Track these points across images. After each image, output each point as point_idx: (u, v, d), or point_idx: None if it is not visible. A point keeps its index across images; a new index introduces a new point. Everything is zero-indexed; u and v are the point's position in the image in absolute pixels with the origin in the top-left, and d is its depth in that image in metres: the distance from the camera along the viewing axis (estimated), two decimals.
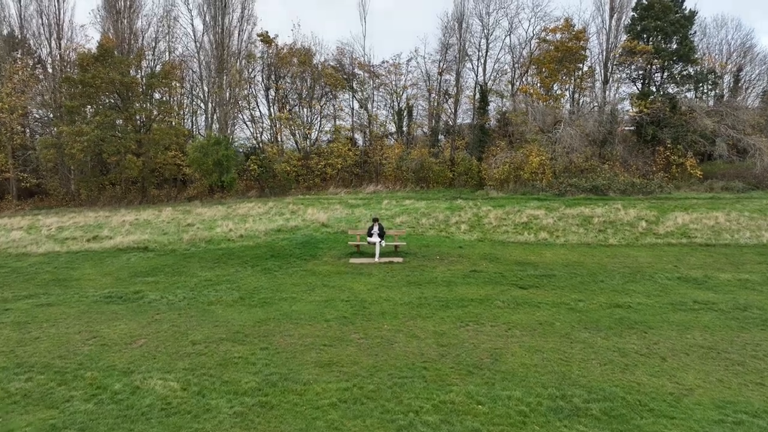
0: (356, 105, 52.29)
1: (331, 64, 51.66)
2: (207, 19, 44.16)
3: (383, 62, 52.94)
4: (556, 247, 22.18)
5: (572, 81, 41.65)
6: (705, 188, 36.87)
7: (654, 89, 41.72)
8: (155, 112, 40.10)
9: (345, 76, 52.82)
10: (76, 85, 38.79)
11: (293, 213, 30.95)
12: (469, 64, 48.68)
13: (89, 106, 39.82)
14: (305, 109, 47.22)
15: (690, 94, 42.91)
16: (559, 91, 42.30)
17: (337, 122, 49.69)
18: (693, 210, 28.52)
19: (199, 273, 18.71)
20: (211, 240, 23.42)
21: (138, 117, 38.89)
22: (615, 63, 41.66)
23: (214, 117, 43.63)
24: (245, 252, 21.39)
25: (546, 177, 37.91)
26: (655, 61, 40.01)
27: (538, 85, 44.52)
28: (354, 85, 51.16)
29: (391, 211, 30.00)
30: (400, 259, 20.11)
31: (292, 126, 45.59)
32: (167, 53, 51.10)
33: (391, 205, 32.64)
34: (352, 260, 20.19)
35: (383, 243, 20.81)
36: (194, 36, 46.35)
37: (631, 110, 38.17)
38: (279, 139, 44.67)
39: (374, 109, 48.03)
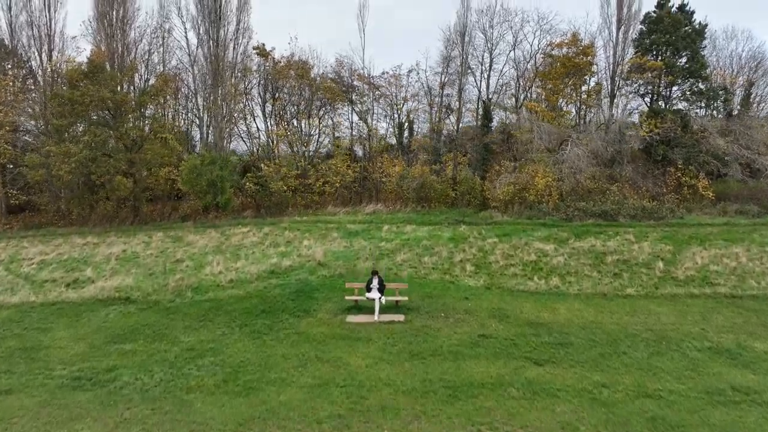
0: (355, 117, 50.46)
1: (330, 76, 49.64)
2: (201, 32, 42.04)
3: (383, 73, 50.74)
4: (569, 298, 20.25)
5: (578, 97, 39.54)
6: (718, 212, 34.91)
7: (662, 104, 39.69)
8: (147, 130, 38.02)
9: (344, 88, 50.87)
10: (65, 102, 36.76)
11: (288, 244, 29.02)
12: (471, 78, 46.70)
13: (79, 124, 37.75)
14: (303, 122, 45.11)
15: (701, 111, 40.87)
16: (564, 108, 40.14)
17: (336, 135, 47.66)
18: (710, 244, 26.60)
19: (182, 338, 16.80)
20: (198, 287, 21.51)
21: (130, 135, 36.86)
22: (623, 78, 39.58)
23: (209, 132, 41.59)
24: (234, 305, 19.48)
25: (552, 199, 35.95)
26: (665, 77, 37.91)
27: (543, 98, 42.45)
28: (353, 98, 49.17)
29: (391, 243, 28.06)
30: (401, 317, 18.21)
31: (290, 139, 43.53)
32: (161, 65, 49.09)
33: (391, 233, 30.70)
34: (350, 318, 18.29)
35: (383, 300, 18.87)
36: (188, 49, 44.29)
37: (641, 130, 36.12)
38: (276, 156, 42.58)
39: (374, 122, 46.02)
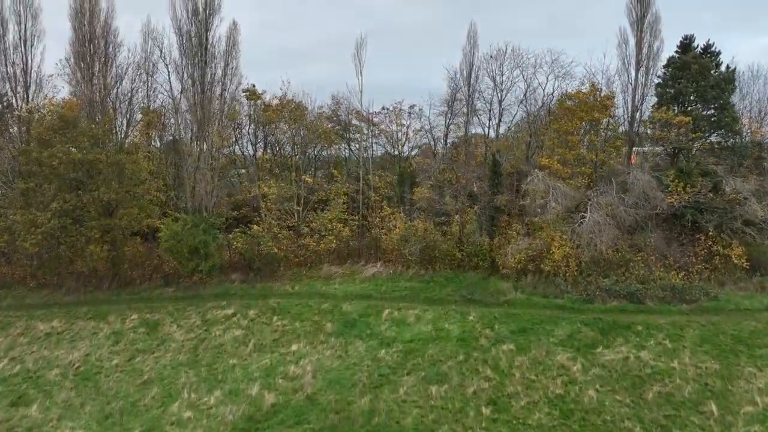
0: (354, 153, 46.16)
1: (326, 113, 45.37)
2: (185, 77, 37.57)
3: (383, 109, 46.57)
4: None
5: (596, 149, 35.00)
6: (755, 287, 30.88)
7: (684, 158, 35.34)
8: (124, 192, 33.63)
9: (340, 127, 46.50)
10: (33, 161, 32.50)
11: (275, 346, 24.90)
12: (477, 118, 42.42)
13: (47, 187, 33.29)
14: (297, 169, 40.62)
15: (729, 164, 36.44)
16: (581, 163, 35.61)
17: (333, 178, 43.33)
18: (761, 354, 22.47)
19: None
20: None
21: (103, 199, 32.51)
22: (644, 130, 35.16)
23: (194, 183, 37.04)
24: None
25: (570, 271, 31.77)
26: (693, 134, 33.46)
27: (556, 151, 37.99)
28: (350, 137, 44.97)
29: (392, 351, 23.92)
30: None
31: (281, 192, 39.13)
32: (146, 100, 44.81)
33: (392, 326, 26.58)
34: None
35: None
36: (171, 93, 39.82)
37: (668, 197, 31.68)
38: (266, 214, 38.15)
39: (373, 174, 41.57)
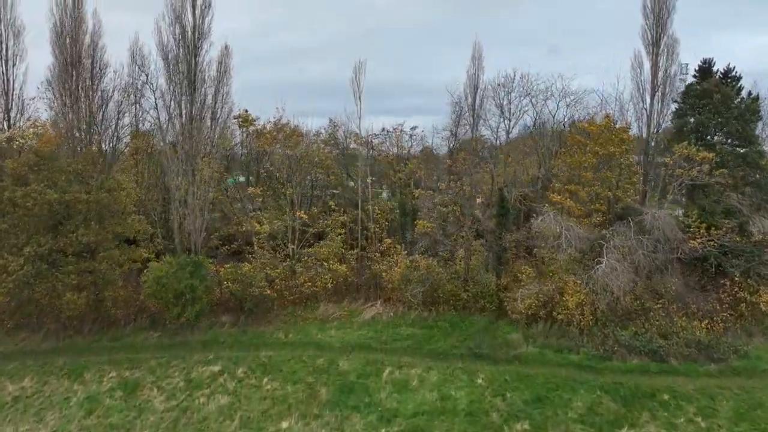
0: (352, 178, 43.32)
1: (323, 135, 42.70)
2: (172, 105, 34.77)
3: (383, 130, 43.98)
4: None
5: (612, 189, 32.11)
6: None
7: (704, 195, 32.51)
8: (105, 233, 30.81)
9: (339, 151, 43.80)
10: (6, 201, 29.71)
11: (264, 418, 22.32)
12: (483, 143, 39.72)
13: (21, 226, 30.49)
14: (289, 207, 37.59)
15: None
16: (595, 202, 32.67)
17: (330, 205, 40.53)
18: None
19: None
20: None
21: (82, 242, 29.73)
22: (668, 172, 32.25)
23: (183, 225, 34.26)
24: None
25: (585, 320, 29.06)
26: (717, 170, 30.68)
27: (566, 186, 35.16)
28: (348, 166, 42.21)
29: (394, 428, 21.15)
30: None
31: (274, 228, 36.32)
32: (134, 122, 42.20)
33: (393, 394, 23.93)
34: None
35: None
36: (159, 121, 36.96)
37: (692, 241, 28.90)
38: (259, 253, 35.26)
39: (372, 204, 38.76)
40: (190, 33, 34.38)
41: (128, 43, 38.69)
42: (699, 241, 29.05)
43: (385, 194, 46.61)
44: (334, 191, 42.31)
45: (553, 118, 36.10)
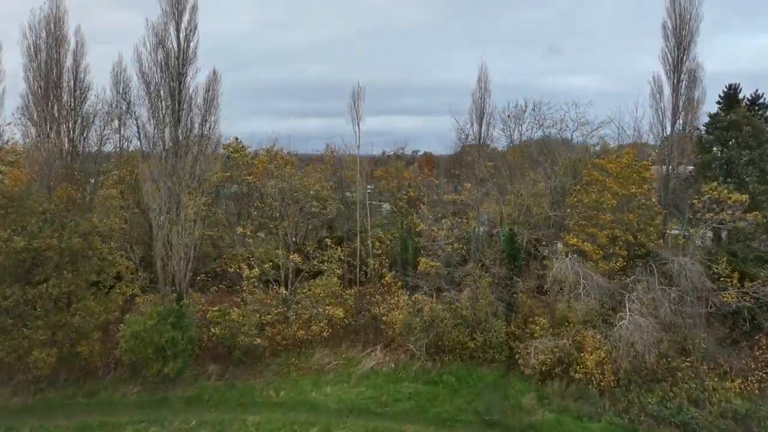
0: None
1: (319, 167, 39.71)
2: (154, 136, 31.74)
3: (384, 153, 40.98)
4: None
5: (633, 232, 29.05)
6: None
7: (733, 238, 29.57)
8: (80, 281, 27.90)
9: (335, 180, 40.80)
10: None
11: None
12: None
13: None
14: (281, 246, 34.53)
15: None
16: (615, 245, 29.58)
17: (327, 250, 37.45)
18: None
19: None
20: None
21: (52, 294, 26.84)
22: (695, 215, 29.21)
23: (167, 267, 31.25)
24: None
25: (606, 381, 26.08)
26: (749, 213, 27.58)
27: (585, 213, 32.15)
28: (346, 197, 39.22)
29: None
30: None
31: (264, 269, 33.29)
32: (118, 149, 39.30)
33: None
34: None
35: None
36: (141, 152, 33.94)
37: (725, 295, 25.93)
38: (248, 299, 32.19)
39: (372, 238, 35.80)
40: (173, 58, 31.44)
41: (111, 65, 35.85)
42: (733, 294, 26.03)
43: (386, 205, 43.80)
44: (331, 220, 39.27)
45: (566, 147, 33.01)
